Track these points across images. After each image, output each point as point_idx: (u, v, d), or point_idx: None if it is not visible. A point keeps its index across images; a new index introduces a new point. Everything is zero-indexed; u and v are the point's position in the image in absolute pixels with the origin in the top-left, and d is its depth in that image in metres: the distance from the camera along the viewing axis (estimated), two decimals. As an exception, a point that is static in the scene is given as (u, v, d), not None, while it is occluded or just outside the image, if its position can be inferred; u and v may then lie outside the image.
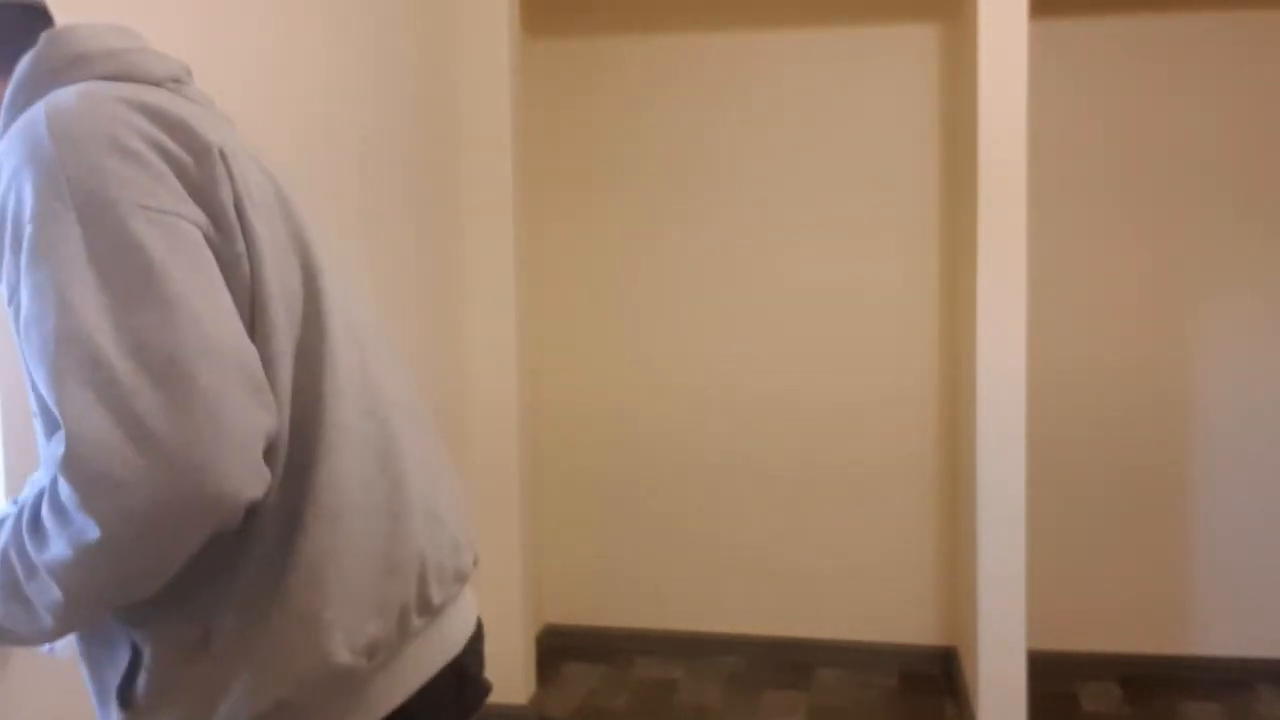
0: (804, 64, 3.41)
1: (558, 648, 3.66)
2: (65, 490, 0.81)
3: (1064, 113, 3.27)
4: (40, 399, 0.88)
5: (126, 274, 0.83)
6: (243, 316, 0.90)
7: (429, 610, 1.02)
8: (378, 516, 0.98)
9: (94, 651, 0.99)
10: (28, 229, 0.84)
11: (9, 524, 0.89)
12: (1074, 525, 3.35)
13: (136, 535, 0.81)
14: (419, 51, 2.80)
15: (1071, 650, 3.36)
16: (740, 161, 3.46)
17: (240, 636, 0.92)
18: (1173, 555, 3.30)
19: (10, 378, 1.43)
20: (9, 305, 0.87)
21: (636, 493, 3.60)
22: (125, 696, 0.96)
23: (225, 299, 0.87)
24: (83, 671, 1.01)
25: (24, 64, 0.96)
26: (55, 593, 0.85)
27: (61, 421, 0.81)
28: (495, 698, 3.13)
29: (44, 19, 1.06)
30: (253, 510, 0.92)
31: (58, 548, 0.83)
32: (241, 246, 0.90)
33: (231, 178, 0.91)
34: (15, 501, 0.91)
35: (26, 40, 1.01)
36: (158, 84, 0.99)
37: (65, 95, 0.89)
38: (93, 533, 0.80)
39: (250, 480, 0.84)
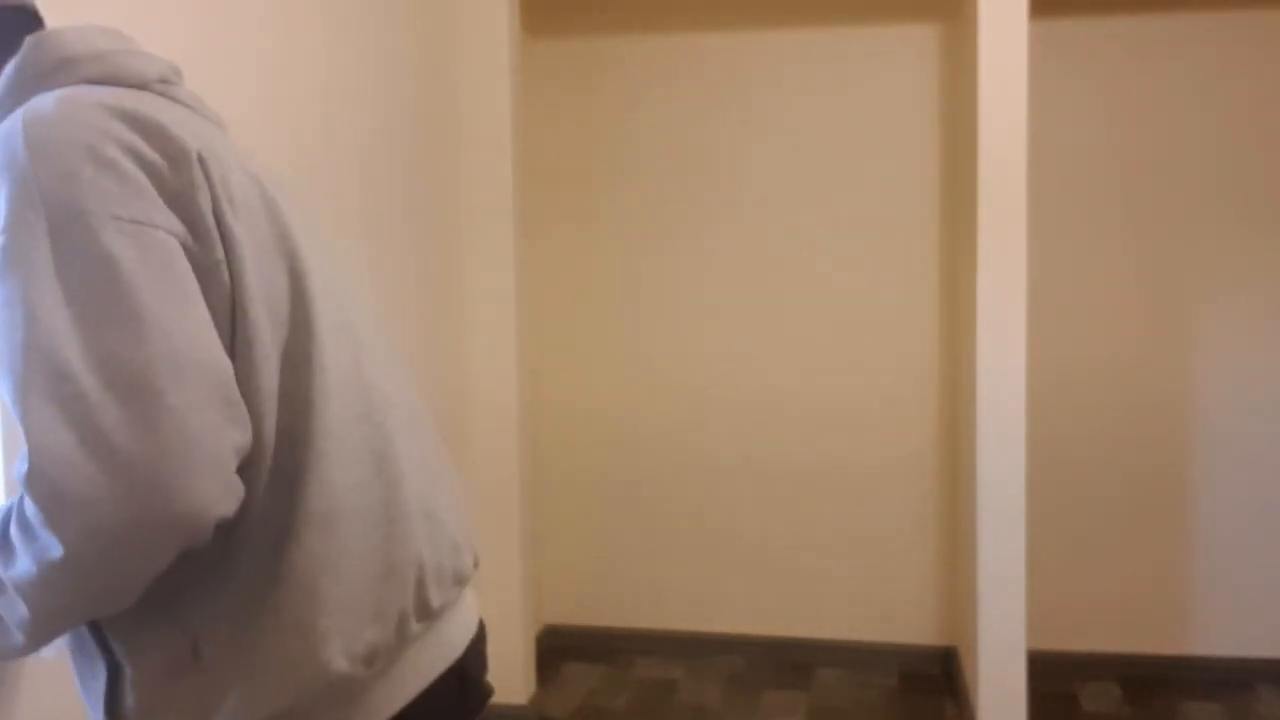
0: (804, 64, 3.41)
1: (558, 648, 3.66)
2: (30, 507, 0.80)
3: (1064, 112, 3.27)
4: None
5: (96, 287, 0.81)
6: (222, 325, 0.88)
7: (428, 614, 1.01)
8: (373, 521, 0.97)
9: (81, 664, 0.98)
10: (0, 239, 0.83)
11: None
12: (1074, 525, 3.35)
13: (100, 553, 0.80)
14: (419, 51, 2.80)
15: (1071, 650, 3.36)
16: (740, 161, 3.46)
17: (231, 648, 0.91)
18: (1173, 555, 3.30)
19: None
20: None
21: (636, 492, 3.60)
22: (113, 710, 0.96)
23: (199, 311, 0.86)
24: (75, 683, 1.01)
25: (9, 69, 0.95)
26: (22, 609, 0.84)
27: (26, 437, 0.79)
28: (495, 698, 3.13)
29: (34, 21, 1.05)
30: (241, 520, 0.90)
31: (24, 564, 0.82)
32: (220, 254, 0.89)
33: (210, 183, 0.89)
34: None
35: (15, 43, 1.00)
36: (145, 86, 0.98)
37: (44, 102, 0.88)
38: (56, 550, 0.79)
39: (218, 498, 0.82)
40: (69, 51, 0.95)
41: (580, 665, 3.52)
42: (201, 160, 0.90)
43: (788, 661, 3.51)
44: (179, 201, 0.87)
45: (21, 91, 0.94)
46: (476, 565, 1.14)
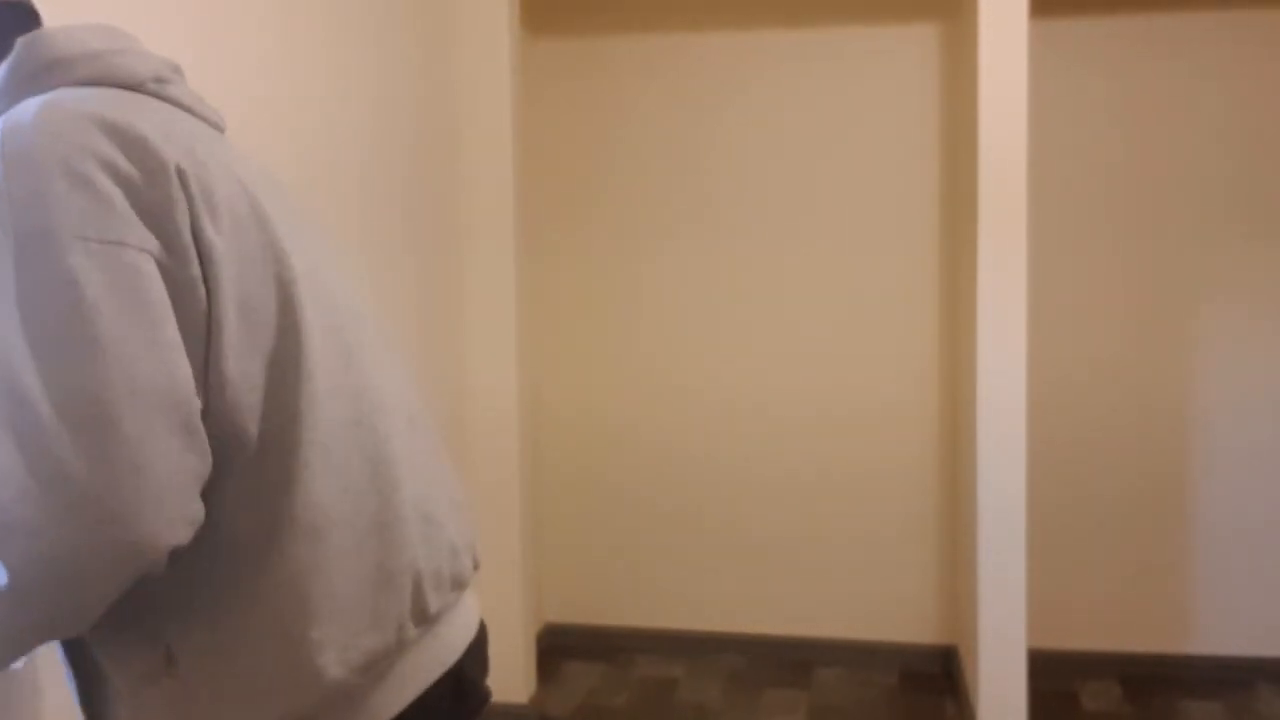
0: (805, 63, 3.40)
1: (558, 646, 3.66)
2: None
3: (1065, 112, 3.27)
4: None
5: (56, 312, 0.80)
6: (197, 341, 0.87)
7: (425, 619, 1.00)
8: (366, 528, 0.96)
9: (69, 670, 0.99)
10: None
11: None
12: (1074, 524, 3.35)
13: (48, 581, 0.79)
14: (419, 50, 2.80)
15: (1072, 649, 3.36)
16: (740, 161, 3.46)
17: (213, 657, 0.90)
18: (1173, 554, 3.30)
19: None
20: None
21: (636, 491, 3.60)
22: (96, 715, 0.96)
23: (166, 335, 0.84)
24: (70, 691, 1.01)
25: (2, 70, 0.94)
26: None
27: None
28: (495, 697, 3.13)
29: (31, 19, 1.03)
30: (223, 530, 0.90)
31: None
32: (196, 269, 0.87)
33: (188, 196, 0.88)
34: None
35: (10, 42, 0.99)
36: (139, 86, 0.96)
37: (25, 111, 0.86)
38: (2, 577, 0.79)
39: (170, 527, 0.82)
40: (60, 52, 0.93)
41: (580, 664, 3.52)
42: (180, 173, 0.88)
43: (788, 660, 3.51)
44: (154, 216, 0.86)
45: (14, 93, 0.94)
46: (476, 568, 1.13)
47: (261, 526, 0.91)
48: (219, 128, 1.07)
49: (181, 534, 0.83)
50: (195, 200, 0.88)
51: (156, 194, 0.86)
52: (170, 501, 0.82)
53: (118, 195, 0.84)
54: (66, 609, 0.82)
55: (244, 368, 0.90)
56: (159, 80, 0.99)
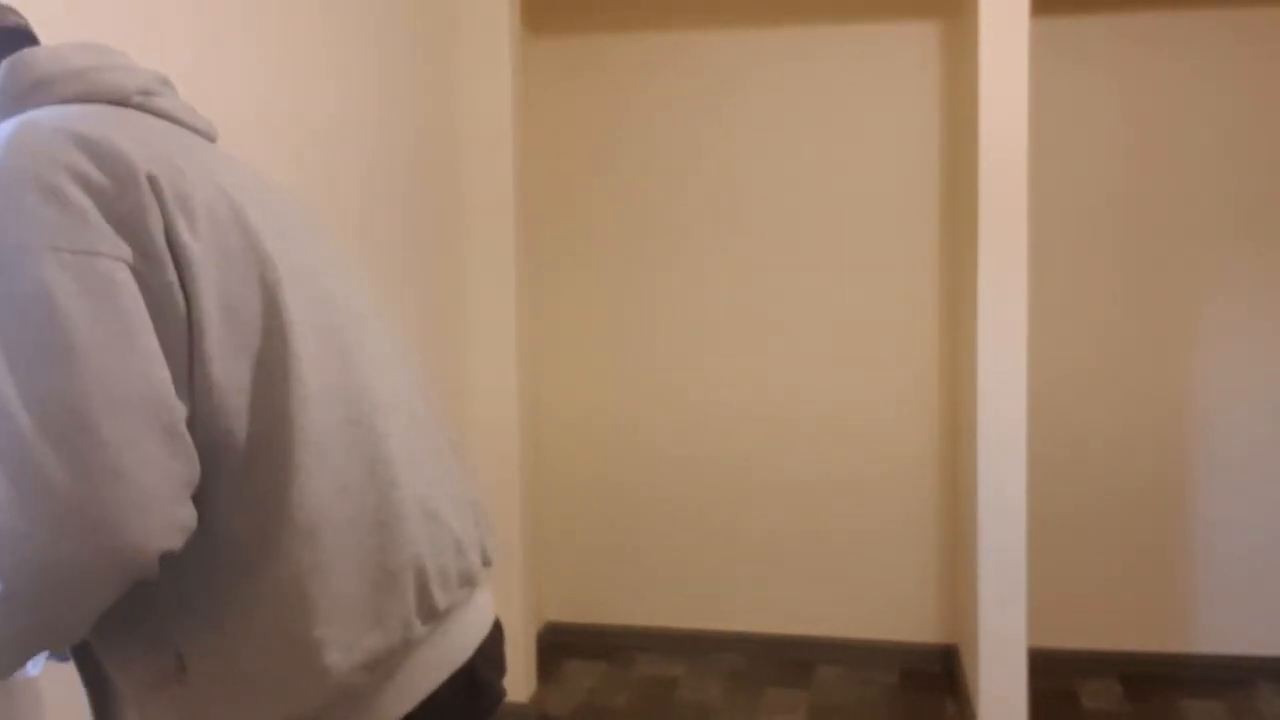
0: (806, 62, 3.40)
1: (558, 645, 3.66)
2: None
3: (1066, 111, 3.27)
4: None
5: (31, 323, 0.81)
6: (177, 347, 0.87)
7: (433, 616, 1.00)
8: (365, 527, 0.96)
9: (83, 680, 0.99)
10: None
11: None
12: (1074, 523, 3.35)
13: (41, 589, 0.80)
14: (419, 50, 2.79)
15: (1072, 648, 3.36)
16: (740, 160, 3.46)
17: (219, 659, 0.91)
18: (1173, 553, 3.30)
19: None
20: None
21: (637, 490, 3.60)
22: None
23: (143, 342, 0.84)
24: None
25: None
26: None
27: None
28: (496, 696, 3.13)
29: (29, 42, 1.04)
30: (219, 533, 0.90)
31: None
32: (172, 274, 0.87)
33: (161, 202, 0.88)
34: None
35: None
36: (124, 100, 0.98)
37: (2, 132, 0.88)
38: None
39: (157, 534, 0.82)
40: (42, 72, 0.95)
41: (581, 663, 3.52)
42: (152, 180, 0.88)
43: (789, 659, 3.51)
44: (127, 224, 0.86)
45: (2, 114, 0.95)
46: (487, 564, 1.12)
47: (259, 528, 0.91)
48: (209, 136, 1.08)
49: (170, 540, 0.83)
50: (169, 206, 0.89)
51: (128, 202, 0.87)
52: (155, 508, 0.82)
53: (90, 206, 0.85)
54: (60, 616, 0.83)
55: (229, 369, 0.90)
56: (145, 93, 1.00)
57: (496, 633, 1.13)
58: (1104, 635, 3.35)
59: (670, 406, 3.56)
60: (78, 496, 0.79)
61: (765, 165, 3.45)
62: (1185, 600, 3.31)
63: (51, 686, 1.50)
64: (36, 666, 1.11)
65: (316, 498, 0.93)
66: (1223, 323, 3.24)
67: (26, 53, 0.96)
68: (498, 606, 3.13)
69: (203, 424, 0.89)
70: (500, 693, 1.12)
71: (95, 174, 0.86)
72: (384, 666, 0.96)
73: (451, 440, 1.14)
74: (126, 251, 0.86)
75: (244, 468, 0.91)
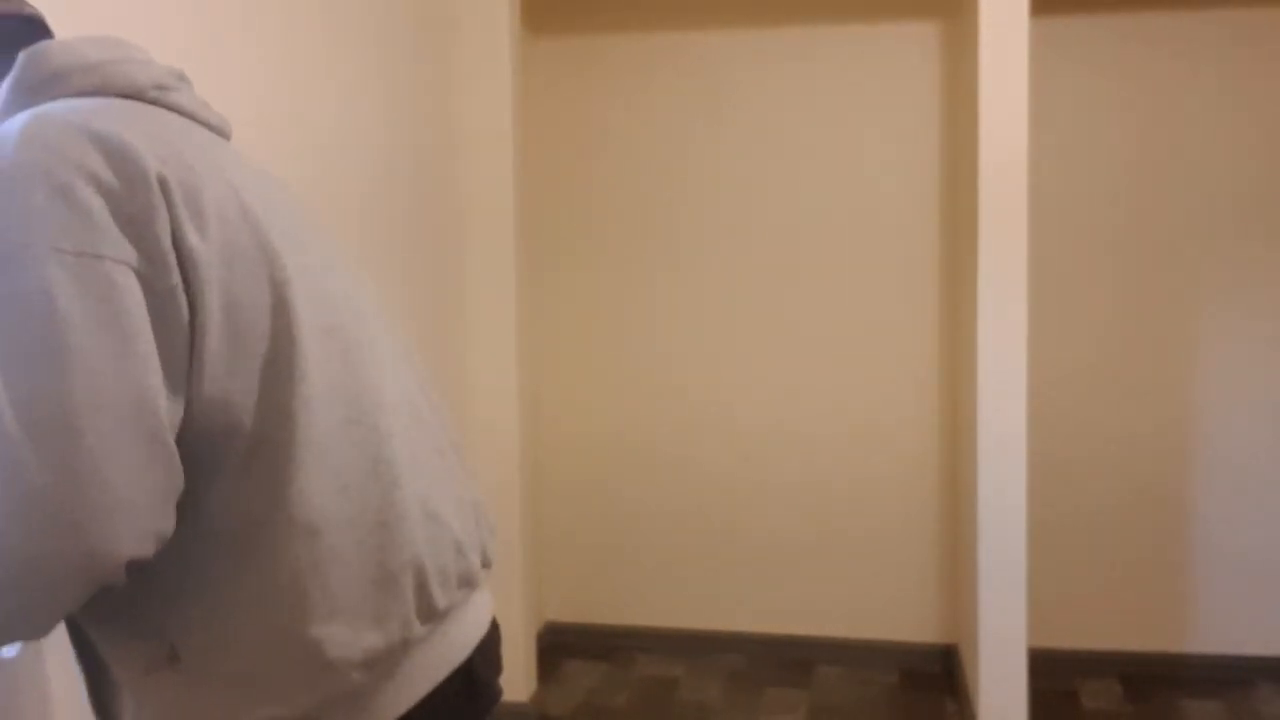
0: (806, 61, 3.40)
1: (558, 645, 3.66)
2: None
3: (1066, 111, 3.27)
4: None
5: (26, 323, 0.81)
6: (178, 350, 0.87)
7: (433, 616, 1.01)
8: (366, 527, 0.96)
9: (80, 662, 1.00)
10: None
11: None
12: (1074, 522, 3.35)
13: (6, 584, 0.80)
14: (419, 50, 2.80)
15: (1072, 648, 3.36)
16: (740, 159, 3.46)
17: (214, 653, 0.91)
18: (1173, 553, 3.30)
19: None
20: None
21: (636, 491, 3.61)
22: (102, 706, 0.98)
23: (139, 347, 0.84)
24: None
25: (5, 86, 0.96)
26: None
27: None
28: (496, 696, 3.14)
29: (42, 32, 1.04)
30: (217, 528, 0.91)
31: None
32: (176, 278, 0.87)
33: (170, 204, 0.88)
34: None
35: (16, 56, 1.00)
36: (138, 95, 0.97)
37: (15, 123, 0.87)
38: None
39: (131, 541, 0.82)
40: (58, 65, 0.94)
41: (581, 663, 3.52)
42: (161, 181, 0.88)
43: (789, 659, 3.51)
44: (134, 225, 0.86)
45: (16, 106, 0.94)
46: (487, 565, 1.13)
47: (258, 526, 0.91)
48: (223, 133, 1.08)
49: (142, 548, 0.83)
50: (177, 207, 0.88)
51: (137, 204, 0.86)
52: (130, 515, 0.82)
53: (98, 206, 0.85)
54: (24, 612, 0.82)
55: (232, 369, 0.90)
56: (160, 88, 1.00)
57: (494, 632, 1.14)
58: (1104, 635, 3.35)
59: (670, 406, 3.56)
60: (55, 498, 0.79)
61: (765, 165, 3.45)
62: (1185, 600, 3.31)
63: (53, 686, 1.50)
64: (12, 650, 1.11)
65: (317, 497, 0.93)
66: (1223, 322, 3.24)
67: (42, 45, 0.95)
68: (498, 606, 3.13)
69: (203, 423, 0.89)
70: (497, 692, 1.12)
71: (106, 173, 0.86)
72: (382, 666, 0.96)
73: (454, 440, 1.14)
74: (131, 254, 0.85)
75: (246, 465, 0.91)
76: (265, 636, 0.91)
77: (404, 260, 2.71)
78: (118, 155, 0.87)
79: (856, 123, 3.39)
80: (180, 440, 0.89)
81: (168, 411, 0.85)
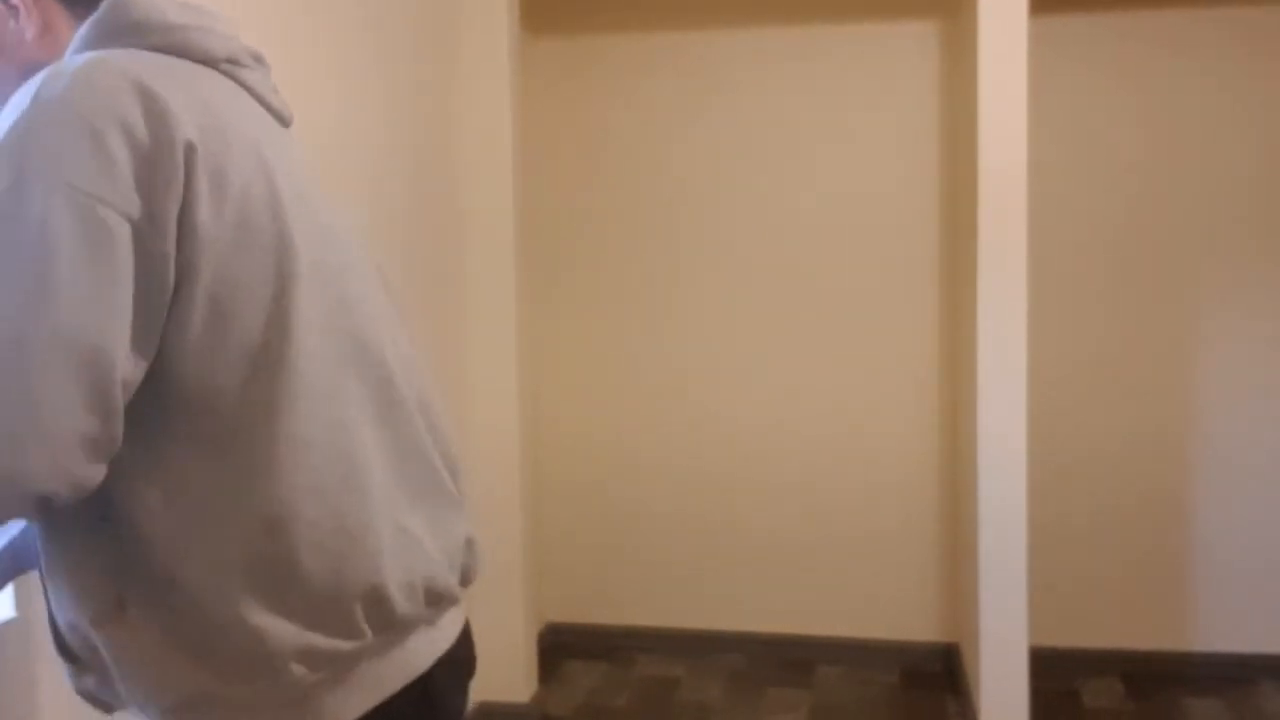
0: (805, 61, 3.40)
1: (559, 645, 3.66)
2: None
3: (1066, 110, 3.27)
4: None
5: (19, 243, 0.83)
6: (151, 314, 0.88)
7: (389, 628, 0.99)
8: (330, 531, 0.95)
9: (46, 601, 1.02)
10: None
11: None
12: (1075, 521, 3.35)
13: None
14: (419, 50, 2.79)
15: (1073, 646, 3.36)
16: (740, 159, 3.46)
17: (164, 618, 0.92)
18: (1174, 551, 3.30)
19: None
20: None
21: (637, 491, 3.60)
22: (61, 647, 1.00)
23: (116, 296, 0.85)
24: None
25: (86, 25, 0.97)
26: None
27: None
28: (496, 696, 3.13)
29: None
30: (193, 505, 0.91)
31: None
32: (171, 246, 0.88)
33: (190, 175, 0.88)
34: None
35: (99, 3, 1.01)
36: (212, 64, 0.99)
37: (76, 60, 0.89)
38: None
39: (43, 475, 0.83)
40: (140, 16, 0.96)
41: (582, 663, 3.52)
42: (190, 149, 0.89)
43: (789, 659, 3.51)
44: (150, 185, 0.87)
45: (91, 46, 0.96)
46: (465, 584, 1.11)
47: (225, 509, 0.92)
48: (284, 121, 1.09)
49: (55, 485, 0.84)
50: (197, 178, 0.89)
51: (159, 164, 0.88)
52: (48, 449, 0.83)
53: (123, 159, 0.86)
54: None
55: (215, 348, 0.90)
56: (233, 62, 1.02)
57: (463, 650, 1.11)
58: (1105, 634, 3.35)
59: (670, 406, 3.56)
60: None
61: (764, 164, 3.45)
62: (1187, 598, 3.31)
63: (53, 685, 1.50)
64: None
65: (289, 493, 0.93)
66: (1223, 322, 3.24)
67: None
68: (498, 608, 3.13)
69: (181, 395, 0.90)
70: (460, 708, 1.11)
71: (141, 130, 0.87)
72: (328, 667, 0.96)
73: (451, 461, 1.12)
74: (137, 211, 0.86)
75: (221, 448, 0.91)
76: (212, 614, 0.92)
77: (404, 260, 2.71)
78: (158, 115, 0.88)
79: (856, 122, 3.39)
80: (157, 407, 0.90)
81: (123, 367, 0.86)
